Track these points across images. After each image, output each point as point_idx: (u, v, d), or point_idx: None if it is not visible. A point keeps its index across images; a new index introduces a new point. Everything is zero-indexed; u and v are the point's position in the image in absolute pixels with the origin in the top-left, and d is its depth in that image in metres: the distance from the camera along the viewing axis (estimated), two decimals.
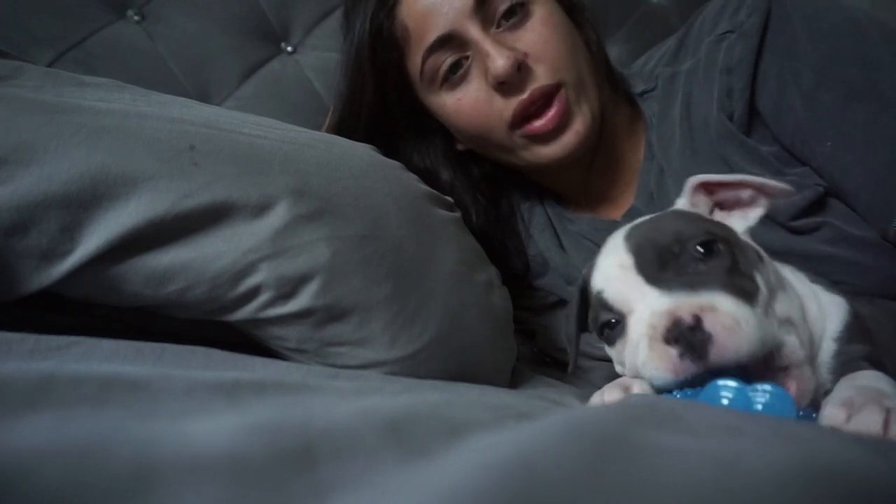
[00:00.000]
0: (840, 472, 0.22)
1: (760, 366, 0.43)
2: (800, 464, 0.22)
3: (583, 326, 0.59)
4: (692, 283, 0.44)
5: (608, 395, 0.49)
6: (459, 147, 0.87)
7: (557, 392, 0.69)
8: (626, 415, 0.28)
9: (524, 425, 0.29)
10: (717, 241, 0.47)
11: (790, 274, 0.56)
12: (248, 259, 0.49)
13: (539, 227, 0.90)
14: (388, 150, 0.69)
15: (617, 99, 0.85)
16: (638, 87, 0.83)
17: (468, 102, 0.76)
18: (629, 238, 0.50)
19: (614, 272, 0.49)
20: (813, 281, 0.56)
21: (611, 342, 0.50)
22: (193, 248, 0.48)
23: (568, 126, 0.75)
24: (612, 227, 0.83)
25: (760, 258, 0.50)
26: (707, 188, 0.56)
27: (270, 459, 0.21)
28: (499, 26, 0.73)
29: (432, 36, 0.73)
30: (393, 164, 0.65)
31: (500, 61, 0.70)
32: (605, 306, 0.49)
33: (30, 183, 0.42)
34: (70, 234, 0.44)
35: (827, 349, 0.52)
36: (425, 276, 0.58)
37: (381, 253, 0.55)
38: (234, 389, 0.31)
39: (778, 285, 0.49)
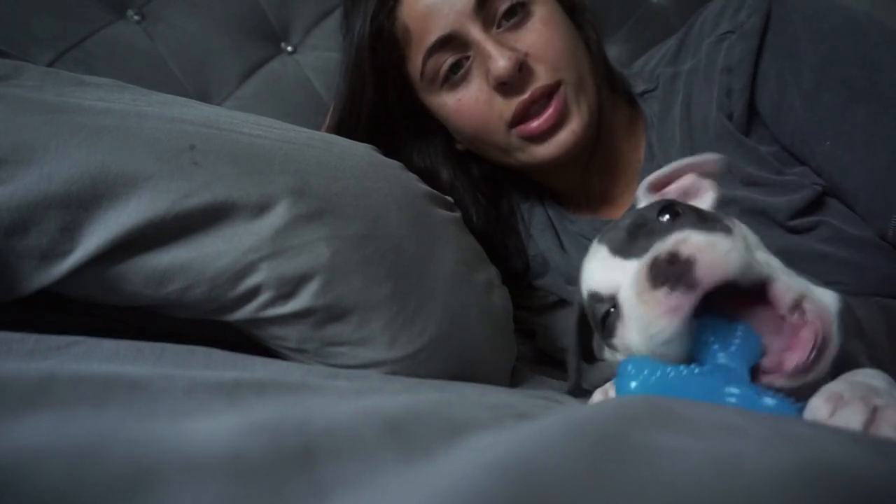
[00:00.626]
0: (840, 472, 0.22)
1: (766, 308, 0.42)
2: (800, 464, 0.22)
3: (585, 356, 0.58)
4: (662, 238, 0.44)
5: (611, 391, 0.49)
6: (459, 147, 0.87)
7: (557, 392, 0.69)
8: (626, 414, 0.28)
9: (524, 425, 0.29)
10: (675, 205, 0.47)
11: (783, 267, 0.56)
12: (248, 259, 0.49)
13: (539, 227, 0.90)
14: (388, 150, 0.69)
15: (616, 99, 0.85)
16: (639, 87, 0.84)
17: (468, 103, 0.76)
18: (600, 238, 0.51)
19: (595, 266, 0.50)
20: (799, 274, 0.56)
21: (613, 333, 0.49)
22: (193, 247, 0.48)
23: (564, 125, 0.75)
24: None
25: (732, 221, 0.49)
26: (656, 188, 0.57)
27: (270, 459, 0.21)
28: (499, 26, 0.73)
29: (433, 37, 0.73)
30: (393, 164, 0.65)
31: (501, 62, 0.70)
32: (598, 298, 0.49)
33: (30, 183, 0.42)
34: (70, 234, 0.44)
35: None
36: (425, 275, 0.58)
37: (381, 253, 0.55)
38: (234, 389, 0.31)
39: (755, 244, 0.48)
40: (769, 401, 0.38)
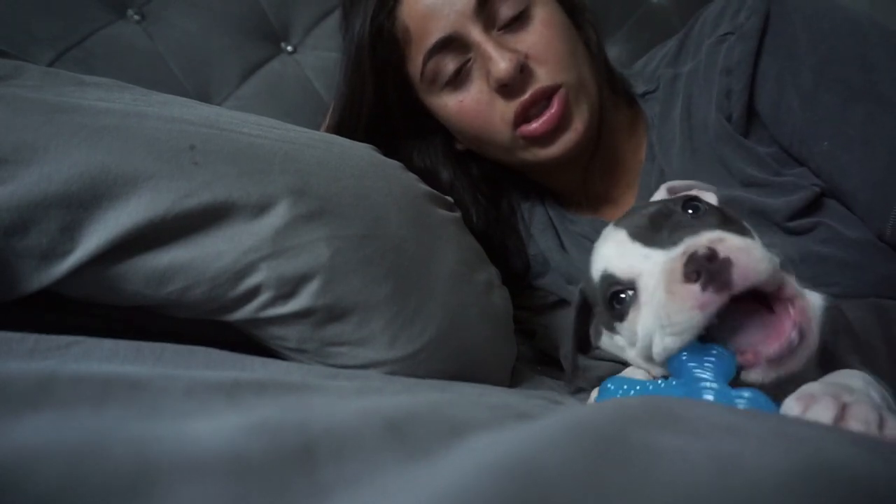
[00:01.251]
0: (839, 473, 0.22)
1: (774, 295, 0.43)
2: (800, 464, 0.22)
3: (581, 347, 0.59)
4: (691, 231, 0.45)
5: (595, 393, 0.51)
6: (459, 146, 0.87)
7: (557, 392, 0.69)
8: (626, 415, 0.28)
9: (524, 425, 0.29)
10: (698, 201, 0.48)
11: None
12: (249, 259, 0.49)
13: (540, 227, 0.90)
14: (388, 150, 0.69)
15: (617, 99, 0.86)
16: (639, 88, 0.84)
17: (469, 104, 0.76)
18: (618, 223, 0.51)
19: (612, 250, 0.49)
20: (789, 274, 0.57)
21: (621, 317, 0.49)
22: (193, 247, 0.48)
23: (566, 126, 0.75)
24: None
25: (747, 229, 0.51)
26: (673, 191, 0.59)
27: (270, 459, 0.21)
28: (500, 28, 0.73)
29: (433, 38, 0.73)
30: (393, 164, 0.65)
31: (502, 63, 0.70)
32: (613, 281, 0.49)
33: (30, 183, 0.42)
34: (70, 233, 0.44)
35: None
36: (425, 275, 0.58)
37: (381, 253, 0.55)
38: (234, 389, 0.31)
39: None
40: (745, 393, 0.39)
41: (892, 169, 0.61)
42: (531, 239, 0.91)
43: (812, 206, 0.66)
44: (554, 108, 0.73)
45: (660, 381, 0.45)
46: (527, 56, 0.72)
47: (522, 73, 0.71)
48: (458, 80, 0.75)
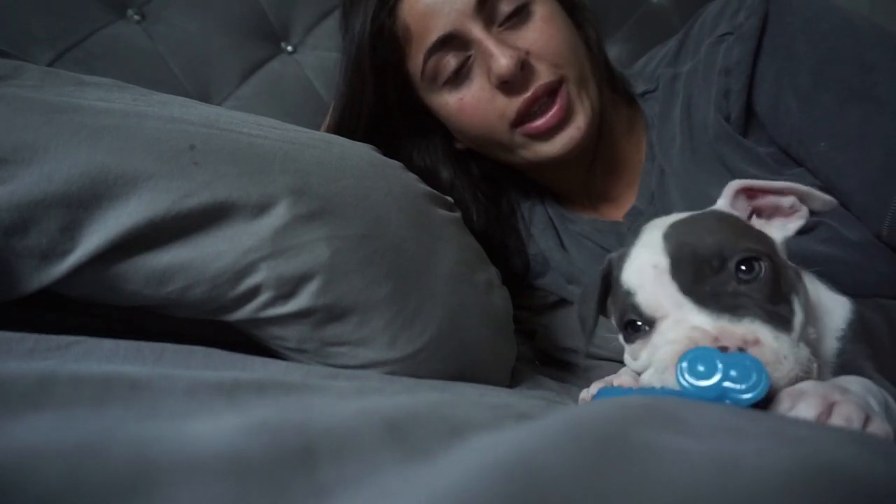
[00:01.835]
0: (839, 473, 0.22)
1: None
2: (800, 464, 0.22)
3: (600, 309, 0.56)
4: (732, 307, 0.43)
5: (593, 387, 0.51)
6: (459, 146, 0.87)
7: (557, 392, 0.69)
8: (627, 415, 0.28)
9: (524, 425, 0.29)
10: (759, 260, 0.44)
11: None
12: (248, 259, 0.49)
13: (540, 227, 0.90)
14: (388, 150, 0.69)
15: (616, 99, 0.86)
16: (639, 88, 0.84)
17: (470, 102, 0.75)
18: (668, 237, 0.47)
19: (648, 273, 0.47)
20: (820, 280, 0.57)
21: (630, 340, 0.49)
22: (193, 247, 0.48)
23: (569, 122, 0.75)
24: (614, 227, 0.84)
25: (798, 276, 0.48)
26: (748, 193, 0.53)
27: (270, 459, 0.21)
28: (500, 25, 0.73)
29: (434, 36, 0.73)
30: (393, 164, 0.65)
31: (503, 60, 0.70)
32: (635, 308, 0.47)
33: (30, 182, 0.42)
34: (70, 233, 0.44)
35: (830, 348, 0.51)
36: (425, 275, 0.58)
37: (381, 253, 0.55)
38: (234, 389, 0.31)
39: (811, 305, 0.47)
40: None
41: (888, 169, 0.61)
42: (531, 239, 0.91)
43: None
44: (557, 105, 0.73)
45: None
46: (527, 53, 0.72)
47: (523, 69, 0.71)
48: (458, 77, 0.75)
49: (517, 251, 0.90)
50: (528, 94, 0.72)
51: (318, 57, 1.11)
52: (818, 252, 0.64)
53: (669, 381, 0.42)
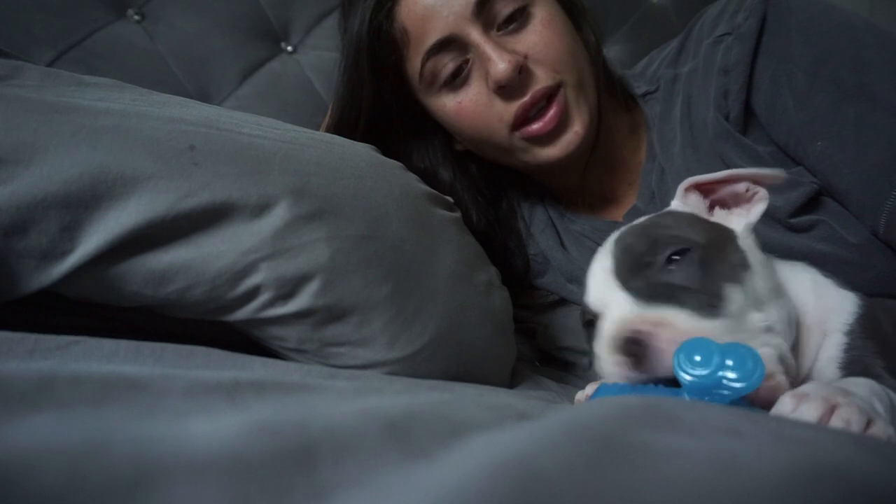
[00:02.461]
0: (840, 473, 0.22)
1: None
2: (799, 464, 0.22)
3: None
4: (656, 294, 0.46)
5: (589, 388, 0.52)
6: (458, 147, 0.87)
7: (557, 392, 0.69)
8: (626, 415, 0.28)
9: (524, 425, 0.29)
10: (690, 250, 0.48)
11: (796, 270, 0.56)
12: (248, 259, 0.49)
13: (540, 227, 0.90)
14: (388, 150, 0.69)
15: (615, 101, 0.86)
16: (640, 89, 0.84)
17: (468, 105, 0.76)
18: (617, 241, 0.52)
19: (598, 275, 0.51)
20: (826, 276, 0.57)
21: (590, 338, 0.53)
22: (193, 248, 0.48)
23: (567, 127, 0.75)
24: (614, 227, 0.83)
25: (746, 264, 0.49)
26: (702, 188, 0.56)
27: (270, 459, 0.21)
28: (499, 28, 0.73)
29: (432, 39, 0.73)
30: (393, 164, 0.65)
31: (501, 65, 0.70)
32: (588, 307, 0.52)
33: (29, 183, 0.42)
34: (70, 234, 0.44)
35: (836, 343, 0.52)
36: (425, 276, 0.58)
37: (381, 253, 0.55)
38: (234, 389, 0.31)
39: (766, 291, 0.49)
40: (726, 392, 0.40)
41: (884, 168, 0.61)
42: (531, 238, 0.91)
43: (812, 204, 0.66)
44: (553, 109, 0.73)
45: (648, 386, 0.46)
46: (526, 57, 0.72)
47: (521, 74, 0.71)
48: (456, 80, 0.75)
49: (517, 251, 0.90)
50: (526, 98, 0.72)
51: (317, 57, 1.11)
52: (817, 250, 0.65)
53: (607, 371, 0.46)
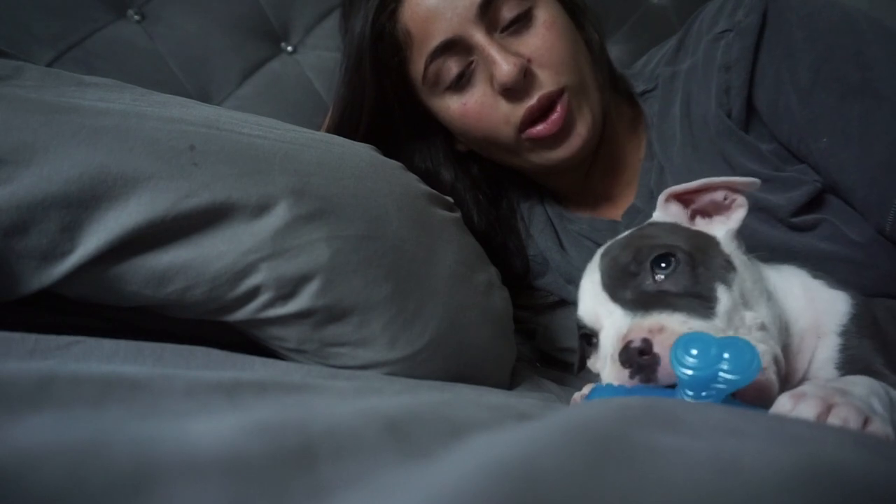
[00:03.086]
0: (840, 473, 0.22)
1: None
2: (799, 464, 0.22)
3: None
4: (647, 302, 0.46)
5: (585, 388, 0.52)
6: (460, 147, 0.87)
7: (557, 392, 0.69)
8: (626, 415, 0.28)
9: (524, 425, 0.29)
10: (672, 255, 0.48)
11: (785, 275, 0.56)
12: (248, 259, 0.49)
13: (539, 227, 0.90)
14: (389, 151, 0.69)
15: (618, 99, 0.86)
16: (639, 87, 0.84)
17: (473, 107, 0.75)
18: (603, 255, 0.53)
19: (588, 289, 0.52)
20: (815, 277, 0.57)
21: (588, 354, 0.54)
22: (193, 248, 0.48)
23: (571, 129, 0.75)
24: (613, 226, 0.84)
25: (730, 266, 0.50)
26: (681, 198, 0.57)
27: (270, 459, 0.21)
28: (503, 30, 0.73)
29: (436, 41, 0.72)
30: (393, 164, 0.65)
31: (505, 67, 0.70)
32: (581, 322, 0.52)
33: (29, 183, 0.42)
34: (70, 234, 0.44)
35: (831, 344, 0.52)
36: (425, 276, 0.58)
37: (381, 253, 0.55)
38: (234, 389, 0.31)
39: (754, 293, 0.49)
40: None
41: (890, 164, 0.61)
42: (531, 239, 0.91)
43: (814, 202, 0.66)
44: (557, 112, 0.73)
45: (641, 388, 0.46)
46: (530, 59, 0.72)
47: (526, 76, 0.71)
48: (460, 82, 0.75)
49: (517, 252, 0.90)
50: (533, 102, 0.72)
51: (318, 57, 1.11)
52: (820, 249, 0.64)
53: (615, 383, 0.46)
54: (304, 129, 0.61)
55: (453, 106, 0.77)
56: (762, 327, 0.47)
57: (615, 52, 1.29)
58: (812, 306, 0.54)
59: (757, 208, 0.66)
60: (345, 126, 0.82)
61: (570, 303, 0.87)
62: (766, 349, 0.44)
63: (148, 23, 1.00)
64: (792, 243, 0.66)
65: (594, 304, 0.50)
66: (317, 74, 1.11)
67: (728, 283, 0.48)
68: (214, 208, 0.48)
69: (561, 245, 0.88)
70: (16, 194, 0.42)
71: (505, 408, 0.36)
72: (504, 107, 0.74)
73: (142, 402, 0.27)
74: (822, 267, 0.60)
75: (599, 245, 0.57)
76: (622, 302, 0.48)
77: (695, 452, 0.23)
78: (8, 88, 0.47)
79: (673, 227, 0.55)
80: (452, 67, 0.74)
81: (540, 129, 0.74)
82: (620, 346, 0.45)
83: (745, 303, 0.48)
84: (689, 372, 0.39)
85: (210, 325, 0.52)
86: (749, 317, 0.47)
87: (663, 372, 0.43)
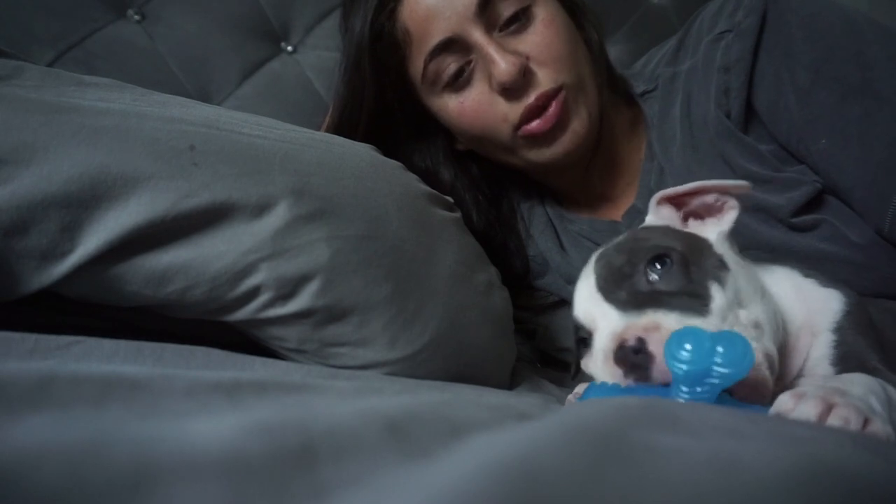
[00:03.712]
0: (839, 473, 0.22)
1: None
2: (799, 464, 0.22)
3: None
4: (641, 302, 0.47)
5: (580, 388, 0.53)
6: (460, 147, 0.87)
7: (557, 392, 0.69)
8: (626, 415, 0.28)
9: (524, 425, 0.29)
10: (666, 256, 0.49)
11: (776, 276, 0.56)
12: (248, 259, 0.49)
13: (539, 228, 0.90)
14: (389, 150, 0.69)
15: (617, 99, 0.86)
16: (639, 88, 0.84)
17: (472, 106, 0.76)
18: (598, 259, 0.54)
19: (583, 291, 0.53)
20: (806, 276, 0.57)
21: (583, 354, 0.54)
22: (193, 248, 0.48)
23: (566, 127, 0.75)
24: (613, 227, 0.84)
25: (723, 266, 0.50)
26: (673, 201, 0.57)
27: (271, 459, 0.21)
28: (501, 29, 0.73)
29: (435, 40, 0.73)
30: (393, 164, 0.65)
31: (504, 66, 0.70)
32: (577, 324, 0.53)
33: (29, 183, 0.42)
34: (70, 234, 0.44)
35: (826, 341, 0.52)
36: (425, 276, 0.58)
37: (381, 253, 0.55)
38: (234, 389, 0.31)
39: (748, 291, 0.50)
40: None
41: (889, 166, 0.61)
42: (531, 239, 0.91)
43: (814, 203, 0.66)
44: (551, 110, 0.73)
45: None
46: (528, 57, 0.72)
47: (524, 75, 0.71)
48: (459, 81, 0.75)
49: (517, 252, 0.90)
50: (532, 100, 0.72)
51: (318, 57, 1.11)
52: (820, 250, 0.64)
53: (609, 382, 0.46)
54: (304, 129, 0.61)
55: (452, 104, 0.77)
56: (757, 325, 0.47)
57: (615, 52, 1.29)
58: (805, 305, 0.54)
59: (757, 209, 0.66)
60: (344, 126, 0.82)
61: (570, 303, 0.87)
62: (758, 346, 0.45)
63: (148, 23, 1.00)
64: (792, 244, 0.66)
65: (589, 305, 0.51)
66: (317, 74, 1.11)
67: (722, 282, 0.48)
68: (214, 208, 0.48)
69: (561, 245, 0.88)
70: (16, 194, 0.42)
71: (505, 408, 0.36)
72: (502, 105, 0.74)
73: (142, 402, 0.27)
74: (821, 268, 0.60)
75: (600, 246, 0.57)
76: (617, 302, 0.48)
77: (694, 452, 0.23)
78: (8, 88, 0.47)
79: (665, 230, 0.55)
80: (451, 66, 0.74)
81: (535, 125, 0.74)
82: (615, 345, 0.45)
83: (739, 301, 0.48)
84: (684, 366, 0.39)
85: (210, 325, 0.52)
86: (743, 315, 0.47)
87: (657, 370, 0.43)
